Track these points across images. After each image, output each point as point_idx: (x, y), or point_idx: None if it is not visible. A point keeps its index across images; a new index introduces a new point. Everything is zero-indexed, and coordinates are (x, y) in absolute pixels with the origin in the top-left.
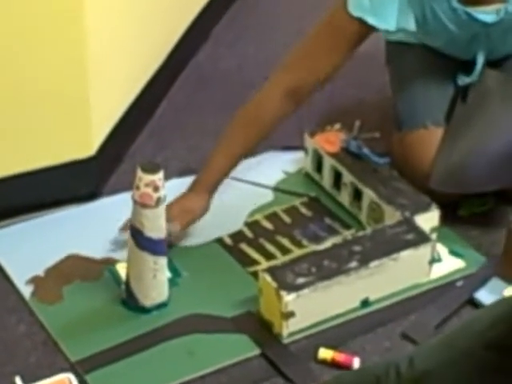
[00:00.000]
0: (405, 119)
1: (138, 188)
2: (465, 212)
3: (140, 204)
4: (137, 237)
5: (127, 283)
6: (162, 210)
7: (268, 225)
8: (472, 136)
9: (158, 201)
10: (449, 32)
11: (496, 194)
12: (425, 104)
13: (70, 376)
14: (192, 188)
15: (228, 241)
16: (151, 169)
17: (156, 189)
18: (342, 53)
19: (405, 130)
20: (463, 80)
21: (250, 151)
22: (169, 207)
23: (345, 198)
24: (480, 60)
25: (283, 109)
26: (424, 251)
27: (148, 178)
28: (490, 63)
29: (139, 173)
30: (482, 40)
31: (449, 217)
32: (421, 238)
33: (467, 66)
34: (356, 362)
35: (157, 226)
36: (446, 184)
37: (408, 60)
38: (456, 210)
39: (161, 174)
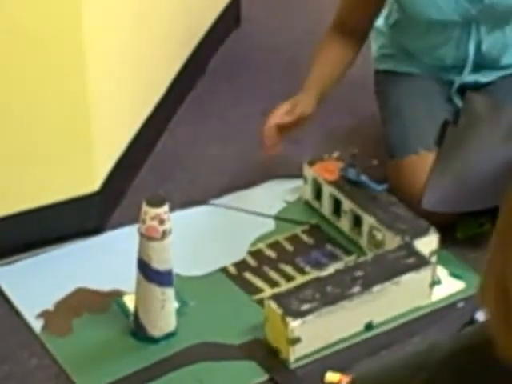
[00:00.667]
0: (396, 147)
1: (143, 222)
2: (462, 234)
3: (146, 237)
4: (144, 269)
5: (136, 314)
6: (168, 242)
7: (271, 253)
8: (463, 157)
9: (164, 233)
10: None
11: (493, 216)
12: (415, 130)
13: None
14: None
15: (232, 270)
16: (156, 202)
17: (162, 222)
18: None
19: (397, 158)
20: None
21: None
22: (284, 103)
23: (345, 224)
24: (470, 59)
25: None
26: (425, 274)
27: (153, 211)
28: (476, 87)
29: (144, 207)
30: (472, 35)
31: (447, 240)
32: (421, 262)
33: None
34: None
35: (163, 258)
36: (439, 204)
37: (396, 88)
38: (454, 233)
39: (166, 207)
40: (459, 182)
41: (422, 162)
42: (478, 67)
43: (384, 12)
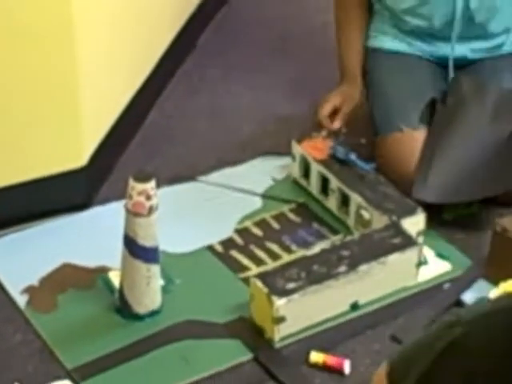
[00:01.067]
0: (380, 124)
1: (130, 197)
2: (450, 215)
3: (133, 213)
4: (130, 245)
5: (121, 291)
6: (154, 218)
7: (257, 231)
8: (453, 145)
9: (151, 209)
10: None
11: None
12: (398, 108)
13: (68, 383)
14: (343, 80)
15: (219, 248)
16: (143, 178)
17: (148, 197)
18: None
19: (381, 136)
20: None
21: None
22: (332, 97)
23: (332, 203)
24: (458, 16)
25: None
26: (411, 255)
27: (140, 186)
28: (464, 65)
29: (131, 182)
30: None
31: (434, 220)
32: (408, 242)
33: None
34: (347, 365)
35: (150, 234)
36: (428, 195)
37: (382, 66)
38: (441, 214)
39: (153, 183)
40: (449, 172)
41: (405, 140)
42: (466, 36)
43: None
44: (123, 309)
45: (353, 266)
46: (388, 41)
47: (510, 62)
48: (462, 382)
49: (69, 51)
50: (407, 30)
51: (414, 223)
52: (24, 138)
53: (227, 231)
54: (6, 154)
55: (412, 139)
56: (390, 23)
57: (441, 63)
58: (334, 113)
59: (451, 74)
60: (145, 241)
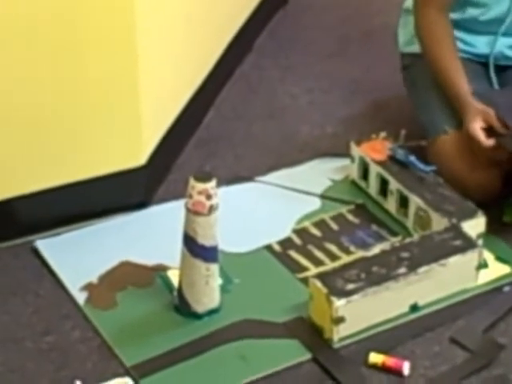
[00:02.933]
0: (428, 129)
1: (190, 196)
2: (509, 218)
3: (193, 212)
4: (190, 244)
5: (180, 289)
6: (214, 217)
7: (316, 232)
8: None
9: (211, 209)
10: None
11: None
12: (442, 111)
13: (128, 380)
14: (464, 113)
15: (277, 248)
16: (204, 177)
17: (209, 197)
18: None
19: (430, 140)
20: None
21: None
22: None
23: (391, 205)
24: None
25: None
26: (471, 257)
27: (201, 186)
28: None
29: (192, 181)
30: None
31: (494, 223)
32: (468, 244)
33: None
34: (406, 367)
35: (209, 234)
36: None
37: (423, 70)
38: (501, 217)
39: (213, 183)
40: None
41: (451, 141)
42: (509, 32)
43: None
44: (182, 307)
45: (413, 267)
46: None
47: None
48: None
49: (130, 51)
50: (453, 20)
51: (474, 226)
52: (85, 136)
53: (285, 231)
54: (67, 153)
55: (457, 139)
56: None
57: (480, 62)
58: None
59: (492, 72)
60: (204, 240)
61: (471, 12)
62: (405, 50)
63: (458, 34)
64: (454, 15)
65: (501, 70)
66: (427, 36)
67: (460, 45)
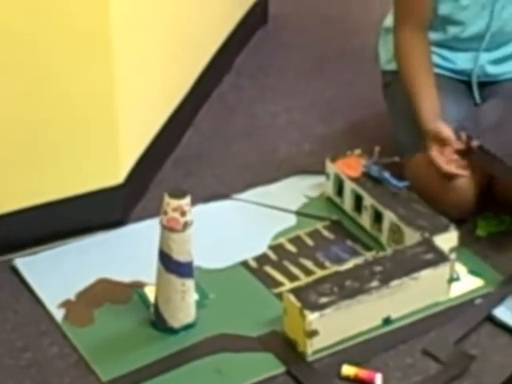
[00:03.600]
0: (405, 146)
1: (165, 213)
2: (482, 232)
3: (168, 228)
4: (165, 260)
5: (156, 305)
6: (189, 233)
7: (291, 248)
8: None
9: (185, 225)
10: None
11: (510, 214)
12: (420, 131)
13: None
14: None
15: (253, 263)
16: (178, 194)
17: (183, 213)
18: None
19: (407, 155)
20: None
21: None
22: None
23: (366, 220)
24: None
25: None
26: (443, 270)
27: (175, 203)
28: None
29: (167, 198)
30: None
31: (467, 237)
32: (440, 258)
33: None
34: (378, 379)
35: (184, 250)
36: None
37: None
38: (474, 231)
39: (188, 200)
40: None
41: (428, 160)
42: (489, 47)
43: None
44: (158, 323)
45: (385, 281)
46: None
47: None
48: None
49: (107, 71)
50: (435, 40)
51: (447, 240)
52: (63, 156)
53: (261, 247)
54: (45, 172)
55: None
56: None
57: (462, 80)
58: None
59: (475, 89)
60: (179, 256)
61: (452, 30)
62: (386, 67)
63: (441, 51)
64: (436, 35)
65: (481, 86)
66: (402, 57)
67: (442, 62)
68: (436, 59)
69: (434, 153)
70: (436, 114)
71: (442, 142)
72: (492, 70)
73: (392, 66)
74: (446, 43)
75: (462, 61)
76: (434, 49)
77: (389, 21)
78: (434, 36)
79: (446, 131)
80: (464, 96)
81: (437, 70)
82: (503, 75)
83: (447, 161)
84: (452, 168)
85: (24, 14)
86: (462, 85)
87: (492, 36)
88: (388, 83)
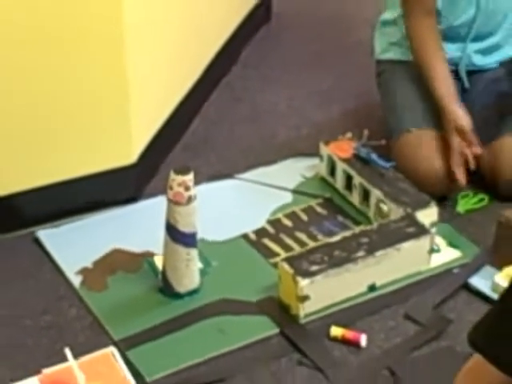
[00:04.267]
0: (393, 129)
1: (171, 188)
2: (462, 209)
3: (173, 202)
4: (171, 231)
5: (163, 273)
6: (193, 207)
7: (288, 222)
8: None
9: (189, 199)
10: None
11: (488, 193)
12: (408, 112)
13: (113, 349)
14: (444, 117)
15: (252, 236)
16: (183, 171)
17: (187, 188)
18: None
19: (394, 139)
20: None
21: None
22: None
23: (355, 198)
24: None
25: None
26: (424, 242)
27: (180, 178)
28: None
29: (172, 175)
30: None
31: (448, 213)
32: (421, 231)
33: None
34: (363, 339)
35: (189, 222)
36: None
37: (395, 75)
38: (454, 208)
39: (191, 176)
40: None
41: (414, 139)
42: (476, 37)
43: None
44: (165, 288)
45: (371, 251)
46: (399, 52)
47: (507, 70)
48: None
49: (119, 66)
50: None
51: (428, 215)
52: (82, 139)
53: (260, 222)
54: (65, 153)
55: (419, 137)
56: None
57: (451, 69)
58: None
59: (465, 79)
60: (184, 227)
61: (441, 21)
62: (381, 57)
63: None
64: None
65: (467, 75)
66: (415, 40)
67: None
68: None
69: (455, 145)
70: (453, 92)
71: (462, 132)
72: (478, 60)
73: (387, 56)
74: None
75: (450, 50)
76: None
77: (386, 15)
78: None
79: (464, 121)
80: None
81: None
82: (489, 65)
83: (459, 163)
84: (459, 172)
85: (40, 2)
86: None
87: (478, 27)
88: (382, 71)
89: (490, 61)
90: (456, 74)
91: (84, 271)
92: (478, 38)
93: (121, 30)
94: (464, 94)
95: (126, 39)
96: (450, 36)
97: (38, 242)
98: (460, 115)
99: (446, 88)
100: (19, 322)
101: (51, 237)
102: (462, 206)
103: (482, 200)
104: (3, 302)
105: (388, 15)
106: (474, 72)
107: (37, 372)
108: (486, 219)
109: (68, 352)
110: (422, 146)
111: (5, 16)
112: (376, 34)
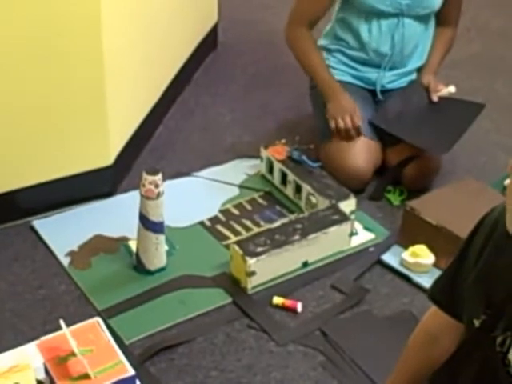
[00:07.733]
0: (321, 136)
1: (143, 186)
2: (397, 202)
3: (145, 197)
4: (143, 221)
5: (137, 254)
6: (161, 201)
7: (235, 211)
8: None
9: (158, 194)
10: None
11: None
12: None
13: (98, 319)
14: (332, 96)
15: (207, 223)
16: (153, 172)
17: (156, 186)
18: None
19: (324, 141)
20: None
21: None
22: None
23: (290, 191)
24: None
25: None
26: (345, 227)
27: (151, 178)
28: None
29: (144, 175)
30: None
31: (364, 203)
32: (343, 218)
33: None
34: (299, 306)
35: (157, 213)
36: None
37: None
38: (390, 203)
39: (160, 176)
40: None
41: (340, 141)
42: (393, 64)
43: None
44: (139, 267)
45: (304, 235)
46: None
47: (416, 88)
48: None
49: (99, 82)
50: (351, 56)
51: (348, 205)
52: (70, 144)
53: (213, 211)
54: (56, 156)
55: (343, 144)
56: (340, 58)
57: (368, 88)
58: None
59: (379, 94)
60: (154, 217)
61: (360, 54)
62: None
63: (356, 65)
64: (358, 54)
65: (381, 93)
66: (297, 48)
67: (356, 73)
68: (350, 71)
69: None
70: (334, 78)
71: (349, 111)
72: (390, 85)
73: None
74: (361, 60)
75: (369, 73)
76: (351, 63)
77: (322, 41)
78: (355, 54)
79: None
80: (368, 101)
81: (349, 79)
82: (400, 85)
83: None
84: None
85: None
86: (367, 92)
87: (391, 57)
88: (314, 86)
89: (401, 83)
90: (372, 94)
91: (71, 253)
92: (393, 67)
93: (101, 49)
94: (377, 103)
95: (105, 59)
96: (369, 63)
97: (33, 229)
98: (347, 97)
99: (327, 73)
100: (20, 295)
101: (44, 225)
102: (394, 199)
103: (402, 193)
104: (6, 279)
105: (323, 42)
106: (386, 91)
107: (35, 338)
108: (393, 208)
109: (62, 322)
110: (347, 149)
111: None
112: None
